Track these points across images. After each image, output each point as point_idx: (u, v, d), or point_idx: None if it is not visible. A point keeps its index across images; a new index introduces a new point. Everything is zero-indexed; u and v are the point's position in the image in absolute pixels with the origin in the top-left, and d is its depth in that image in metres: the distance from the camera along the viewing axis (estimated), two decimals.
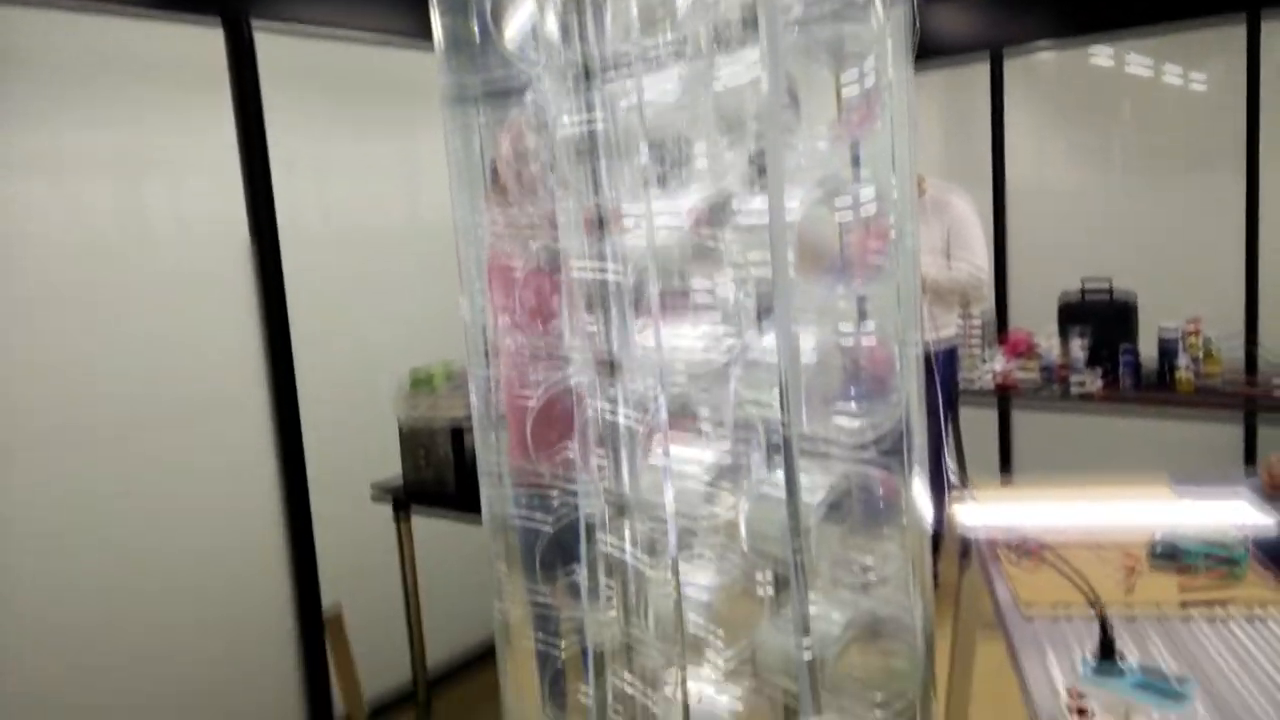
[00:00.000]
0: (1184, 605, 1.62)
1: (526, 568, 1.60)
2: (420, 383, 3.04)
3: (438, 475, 2.94)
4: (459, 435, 2.86)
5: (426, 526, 3.11)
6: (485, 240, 1.60)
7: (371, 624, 3.19)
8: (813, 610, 1.19)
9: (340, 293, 3.18)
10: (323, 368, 3.08)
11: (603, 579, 1.48)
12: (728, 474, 1.34)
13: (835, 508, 1.26)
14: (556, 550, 1.55)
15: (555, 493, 1.53)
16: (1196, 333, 3.66)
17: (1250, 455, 3.86)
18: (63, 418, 2.49)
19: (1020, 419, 4.50)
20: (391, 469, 3.07)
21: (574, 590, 1.51)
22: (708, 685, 1.37)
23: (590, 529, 1.49)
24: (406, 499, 3.04)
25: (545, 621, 1.60)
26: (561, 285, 1.48)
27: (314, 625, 3.02)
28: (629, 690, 1.44)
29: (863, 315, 1.28)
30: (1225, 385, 3.61)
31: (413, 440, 2.99)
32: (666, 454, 1.30)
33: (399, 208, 3.43)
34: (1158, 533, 1.80)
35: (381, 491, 3.06)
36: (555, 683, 1.61)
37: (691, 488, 1.33)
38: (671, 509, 1.30)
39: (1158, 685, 1.26)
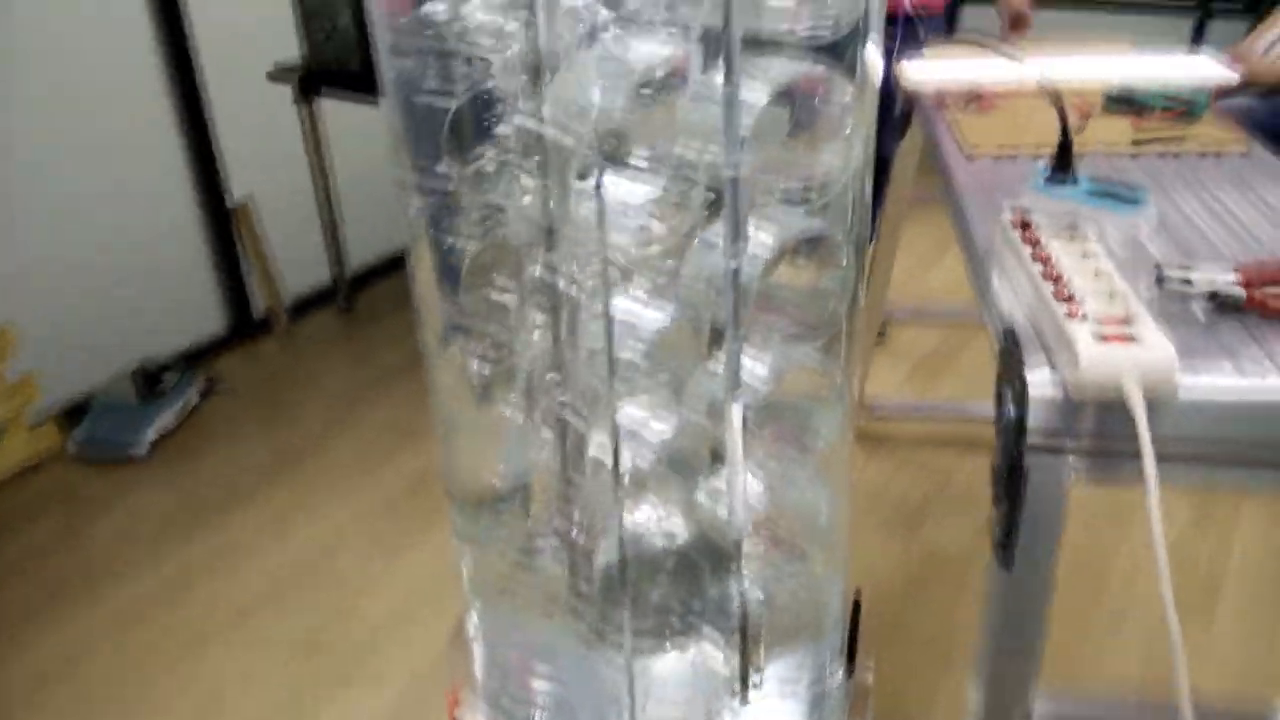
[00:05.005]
0: (1136, 143, 1.54)
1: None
2: None
3: (341, 52, 2.68)
4: (361, 3, 2.57)
5: (341, 117, 2.89)
6: None
7: (288, 220, 3.04)
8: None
9: None
10: None
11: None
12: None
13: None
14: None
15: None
16: None
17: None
18: None
19: None
20: (294, 48, 2.79)
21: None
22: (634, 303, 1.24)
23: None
24: (309, 80, 2.79)
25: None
26: None
27: (221, 218, 2.86)
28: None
29: None
30: None
31: (313, 11, 2.69)
32: None
33: None
34: (1115, 82, 1.69)
35: (282, 72, 2.79)
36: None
37: None
38: None
39: (1112, 192, 1.19)
